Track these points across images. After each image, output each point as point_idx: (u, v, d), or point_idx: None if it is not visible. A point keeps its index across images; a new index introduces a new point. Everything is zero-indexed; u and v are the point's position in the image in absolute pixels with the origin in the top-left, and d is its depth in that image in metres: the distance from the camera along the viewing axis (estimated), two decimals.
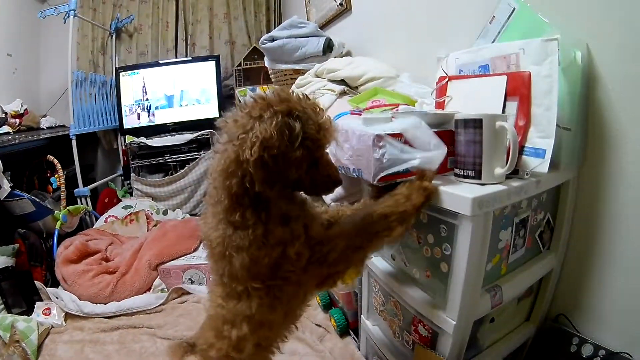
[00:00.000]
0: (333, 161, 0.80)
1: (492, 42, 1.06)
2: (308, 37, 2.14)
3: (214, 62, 3.24)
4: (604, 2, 0.91)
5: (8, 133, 2.50)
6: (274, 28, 2.33)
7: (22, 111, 2.79)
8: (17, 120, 2.68)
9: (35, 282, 1.93)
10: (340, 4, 2.30)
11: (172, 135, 3.07)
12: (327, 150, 0.79)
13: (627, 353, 0.89)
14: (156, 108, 3.22)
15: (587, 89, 0.95)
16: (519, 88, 0.89)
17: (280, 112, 0.67)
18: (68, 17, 2.79)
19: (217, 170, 0.72)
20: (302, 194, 0.81)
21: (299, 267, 0.75)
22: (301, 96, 0.73)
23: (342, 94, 1.63)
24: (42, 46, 3.51)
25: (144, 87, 3.20)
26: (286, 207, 0.75)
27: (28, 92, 3.24)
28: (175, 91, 3.24)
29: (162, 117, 3.22)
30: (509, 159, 0.79)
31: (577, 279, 1.05)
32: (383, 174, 0.82)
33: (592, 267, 1.01)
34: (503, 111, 0.91)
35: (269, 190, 0.69)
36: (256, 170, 0.66)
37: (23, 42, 3.28)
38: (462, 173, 0.83)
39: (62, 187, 2.51)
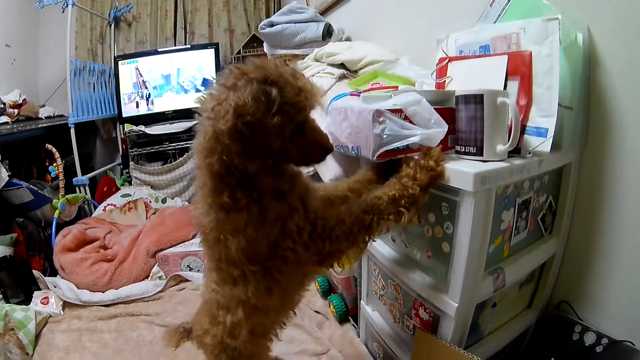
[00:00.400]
0: (330, 140, 0.77)
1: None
2: (307, 22, 2.13)
3: (213, 50, 3.21)
4: None
5: (6, 123, 2.50)
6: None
7: (20, 101, 2.78)
8: (16, 111, 2.67)
9: (33, 271, 1.92)
10: None
11: (170, 123, 3.05)
12: (318, 122, 0.76)
13: (629, 341, 0.88)
14: (154, 88, 3.18)
15: (589, 70, 0.94)
16: (519, 67, 0.88)
17: (255, 79, 0.64)
18: (66, 6, 2.77)
19: (198, 149, 0.70)
20: (292, 166, 0.78)
21: (301, 243, 0.73)
22: (278, 62, 0.70)
23: (342, 77, 1.61)
24: (40, 36, 3.48)
25: (139, 74, 3.17)
26: (275, 182, 0.72)
27: (26, 82, 3.22)
28: (172, 70, 3.20)
29: (161, 105, 3.19)
30: (511, 135, 0.77)
31: (579, 264, 1.04)
32: (382, 149, 0.80)
33: (595, 253, 1.00)
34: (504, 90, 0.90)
35: (249, 164, 0.66)
36: (232, 141, 0.62)
37: (21, 32, 3.26)
38: (463, 150, 0.82)
39: (61, 176, 2.50)
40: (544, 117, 0.83)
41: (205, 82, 3.14)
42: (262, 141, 0.65)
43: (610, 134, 0.93)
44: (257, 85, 0.63)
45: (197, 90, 3.18)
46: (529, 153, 0.83)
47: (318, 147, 0.74)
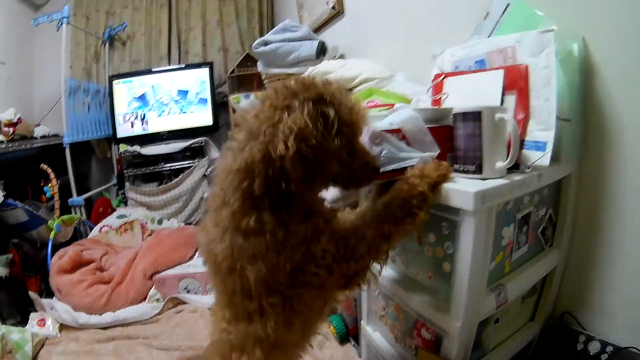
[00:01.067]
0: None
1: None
2: (301, 40, 2.13)
3: (207, 69, 3.22)
4: None
5: (1, 142, 2.48)
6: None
7: (15, 120, 2.75)
8: (11, 129, 2.65)
9: (29, 292, 1.90)
10: (333, 7, 2.29)
11: (166, 144, 3.03)
12: None
13: (635, 347, 0.88)
14: (156, 111, 3.18)
15: (585, 80, 0.95)
16: (516, 81, 0.88)
17: (310, 99, 0.62)
18: (61, 24, 2.76)
19: (232, 169, 0.64)
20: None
21: (324, 267, 0.68)
22: (325, 81, 0.67)
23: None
24: (35, 55, 3.48)
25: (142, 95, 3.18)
26: (308, 202, 0.69)
27: (21, 100, 3.22)
28: (174, 92, 3.22)
29: (156, 125, 3.18)
30: (510, 152, 0.77)
31: (581, 275, 1.04)
32: (380, 171, 0.79)
33: (597, 262, 1.00)
34: (501, 105, 0.90)
35: (307, 189, 0.63)
36: (294, 167, 0.59)
37: (16, 50, 3.26)
38: (462, 168, 0.81)
39: (56, 197, 2.47)
40: (543, 130, 0.83)
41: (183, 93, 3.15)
42: (324, 165, 0.63)
43: (608, 143, 0.93)
44: (313, 105, 0.61)
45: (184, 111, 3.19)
46: (528, 168, 0.82)
47: (367, 167, 0.73)
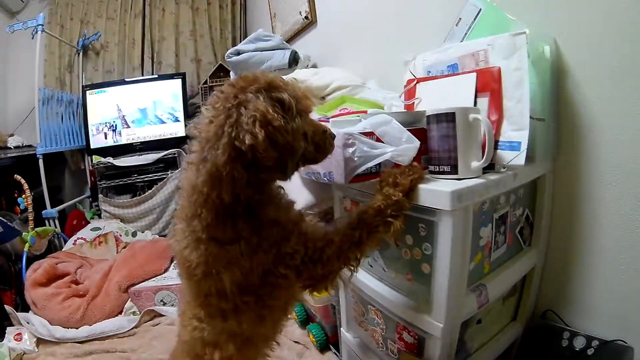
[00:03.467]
0: (302, 168, 0.77)
1: None
2: (274, 50, 2.14)
3: (180, 80, 3.19)
4: None
5: None
6: None
7: None
8: None
9: (5, 306, 1.85)
10: (306, 17, 2.31)
11: (139, 155, 3.00)
12: None
13: (621, 340, 0.89)
14: (132, 122, 3.14)
15: (557, 81, 0.96)
16: (489, 83, 0.88)
17: (262, 88, 0.63)
18: (36, 32, 2.72)
19: (197, 183, 0.64)
20: (285, 193, 0.77)
21: (293, 268, 0.69)
22: (263, 72, 0.68)
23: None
24: (9, 63, 3.41)
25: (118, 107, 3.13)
26: (275, 212, 0.70)
27: None
28: (148, 103, 3.17)
29: (129, 136, 3.14)
30: (485, 151, 0.77)
31: (561, 273, 1.05)
32: (355, 173, 0.79)
33: (575, 259, 1.01)
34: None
35: (282, 174, 0.66)
36: (267, 152, 0.59)
37: None
38: (437, 169, 0.81)
39: (30, 208, 2.42)
40: (516, 130, 0.83)
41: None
42: (292, 145, 0.63)
43: (581, 142, 0.96)
44: (266, 93, 0.62)
45: (162, 122, 3.16)
46: (504, 167, 0.83)
47: (327, 135, 0.74)
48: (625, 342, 0.88)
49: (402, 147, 0.78)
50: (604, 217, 0.94)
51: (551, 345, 0.99)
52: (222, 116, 0.60)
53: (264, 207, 0.68)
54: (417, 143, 0.79)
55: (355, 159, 0.78)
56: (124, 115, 3.13)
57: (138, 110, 3.16)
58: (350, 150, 0.78)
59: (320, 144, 0.72)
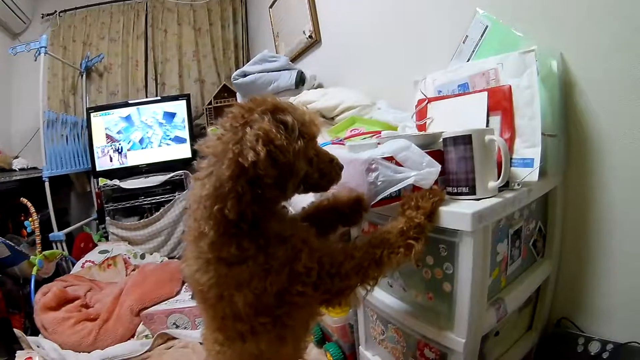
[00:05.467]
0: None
1: (467, 61, 1.09)
2: (280, 71, 2.15)
3: (184, 101, 3.21)
4: (574, 13, 0.95)
5: None
6: (243, 65, 2.34)
7: None
8: None
9: (14, 330, 1.83)
10: (310, 37, 2.33)
11: (145, 177, 3.01)
12: None
13: (635, 342, 0.89)
14: (133, 146, 3.16)
15: (565, 95, 0.98)
16: (500, 102, 0.90)
17: (268, 110, 0.65)
18: (39, 54, 2.75)
19: (201, 196, 0.65)
20: (289, 212, 0.78)
21: (310, 284, 0.69)
22: (274, 96, 0.71)
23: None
24: (13, 85, 3.45)
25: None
26: (279, 224, 0.70)
27: None
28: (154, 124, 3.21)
29: (134, 158, 3.16)
30: (502, 171, 0.79)
31: (574, 281, 1.06)
32: (378, 198, 0.80)
33: (588, 267, 1.03)
34: (487, 126, 0.92)
35: (281, 193, 0.67)
36: (267, 169, 0.60)
37: None
38: (455, 190, 0.82)
39: (37, 232, 2.42)
40: (529, 147, 0.85)
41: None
42: (293, 165, 0.65)
43: (591, 153, 0.97)
44: (271, 115, 0.65)
45: (167, 144, 3.18)
46: (518, 184, 0.84)
47: (334, 165, 0.76)
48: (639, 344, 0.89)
49: (425, 171, 0.80)
50: (615, 225, 0.96)
51: (567, 351, 1.00)
52: (230, 134, 0.64)
53: (269, 225, 0.68)
54: (438, 167, 0.81)
55: (379, 183, 0.79)
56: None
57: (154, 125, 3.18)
58: (374, 175, 0.79)
59: (325, 171, 0.75)
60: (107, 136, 3.14)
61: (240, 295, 0.66)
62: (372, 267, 0.73)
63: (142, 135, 3.18)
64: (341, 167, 0.78)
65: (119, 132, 3.15)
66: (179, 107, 3.20)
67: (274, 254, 0.66)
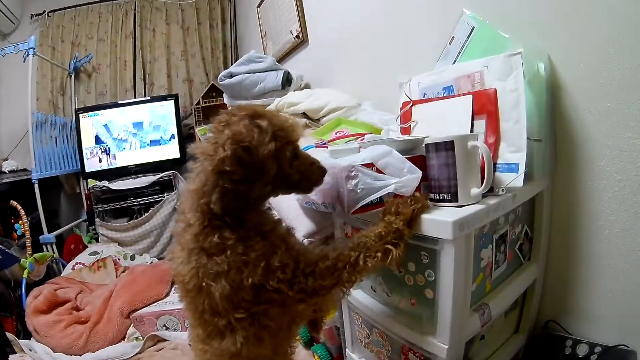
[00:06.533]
0: (300, 197, 0.81)
1: (453, 62, 1.08)
2: (266, 71, 2.15)
3: (172, 101, 3.20)
4: (561, 13, 0.95)
5: None
6: (231, 64, 2.34)
7: None
8: None
9: (6, 333, 1.84)
10: (297, 36, 2.33)
11: (134, 178, 3.01)
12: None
13: (623, 344, 0.90)
14: (119, 141, 3.14)
15: (552, 97, 0.97)
16: (485, 105, 0.89)
17: (246, 115, 0.70)
18: (28, 55, 2.73)
19: (190, 190, 0.72)
20: (271, 214, 0.80)
21: (285, 281, 0.71)
22: (260, 106, 0.75)
23: (305, 127, 1.62)
24: (1, 86, 3.44)
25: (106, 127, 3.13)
26: (260, 219, 0.74)
27: None
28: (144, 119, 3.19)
29: (123, 159, 3.15)
30: (485, 179, 0.78)
31: (562, 283, 1.06)
32: (358, 205, 0.79)
33: (576, 270, 1.02)
34: (471, 130, 0.92)
35: (249, 189, 0.70)
36: (233, 166, 0.66)
37: None
38: (437, 197, 0.82)
39: (27, 234, 2.43)
40: (514, 152, 0.84)
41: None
42: (261, 166, 0.69)
43: (578, 155, 0.97)
44: (248, 119, 0.69)
45: (158, 144, 3.18)
46: (502, 190, 0.83)
47: (315, 168, 0.79)
48: (628, 347, 0.89)
49: (405, 178, 0.79)
50: (603, 227, 0.95)
51: (554, 354, 0.99)
52: (212, 137, 0.70)
53: (250, 217, 0.73)
54: (419, 173, 0.80)
55: (359, 190, 0.78)
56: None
57: (130, 133, 3.17)
58: (353, 182, 0.78)
59: (305, 174, 0.78)
60: (96, 138, 3.13)
61: (217, 286, 0.68)
62: (348, 269, 0.74)
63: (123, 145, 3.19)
64: (324, 171, 0.80)
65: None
66: (167, 108, 3.19)
67: (252, 246, 0.70)
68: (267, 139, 0.69)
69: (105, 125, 3.14)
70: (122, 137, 3.16)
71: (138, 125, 3.17)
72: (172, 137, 3.19)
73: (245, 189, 0.70)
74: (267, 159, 0.69)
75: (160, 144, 3.19)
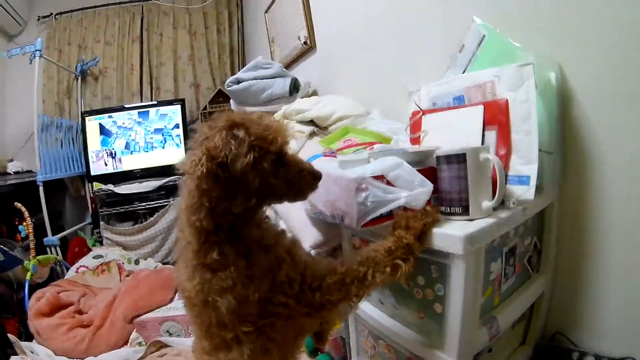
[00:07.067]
0: (309, 207, 0.77)
1: (463, 71, 1.06)
2: (274, 77, 2.13)
3: (179, 106, 3.20)
4: (573, 22, 0.93)
5: None
6: (238, 69, 2.32)
7: None
8: None
9: (8, 335, 1.83)
10: (305, 43, 2.32)
11: (139, 182, 3.00)
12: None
13: (631, 357, 0.88)
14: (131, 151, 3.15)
15: (563, 108, 0.96)
16: (496, 116, 0.88)
17: (223, 127, 0.68)
18: (34, 57, 2.73)
19: (182, 208, 0.71)
20: (275, 226, 0.78)
21: (292, 296, 0.70)
22: (245, 112, 0.73)
23: (312, 134, 1.61)
24: (8, 87, 3.44)
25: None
26: (260, 233, 0.73)
27: None
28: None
29: (129, 163, 3.16)
30: (497, 192, 0.77)
31: (569, 295, 1.05)
32: (368, 218, 0.79)
33: (583, 282, 1.01)
34: (482, 142, 0.90)
35: (232, 205, 0.67)
36: (209, 184, 0.64)
37: None
38: (448, 210, 0.81)
39: (31, 236, 2.42)
40: (525, 164, 0.83)
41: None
42: (240, 180, 0.66)
43: (588, 167, 0.95)
44: (224, 131, 0.67)
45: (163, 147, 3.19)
46: (514, 203, 0.82)
47: (304, 174, 0.75)
48: (635, 359, 0.88)
49: (416, 191, 0.78)
50: (611, 240, 0.94)
51: None
52: (192, 152, 0.68)
53: (249, 232, 0.71)
54: (430, 187, 0.79)
55: (369, 203, 0.78)
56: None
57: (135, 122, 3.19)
58: (364, 195, 0.78)
59: (293, 182, 0.74)
60: (100, 127, 3.15)
61: (223, 301, 0.67)
62: (356, 284, 0.73)
63: (126, 140, 3.18)
64: (316, 176, 0.77)
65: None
66: (174, 112, 3.19)
67: (255, 261, 0.69)
68: (245, 150, 0.66)
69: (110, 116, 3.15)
70: (127, 126, 3.15)
71: (143, 114, 3.17)
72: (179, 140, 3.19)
73: (227, 204, 0.67)
74: (246, 172, 0.66)
75: (164, 147, 3.20)
